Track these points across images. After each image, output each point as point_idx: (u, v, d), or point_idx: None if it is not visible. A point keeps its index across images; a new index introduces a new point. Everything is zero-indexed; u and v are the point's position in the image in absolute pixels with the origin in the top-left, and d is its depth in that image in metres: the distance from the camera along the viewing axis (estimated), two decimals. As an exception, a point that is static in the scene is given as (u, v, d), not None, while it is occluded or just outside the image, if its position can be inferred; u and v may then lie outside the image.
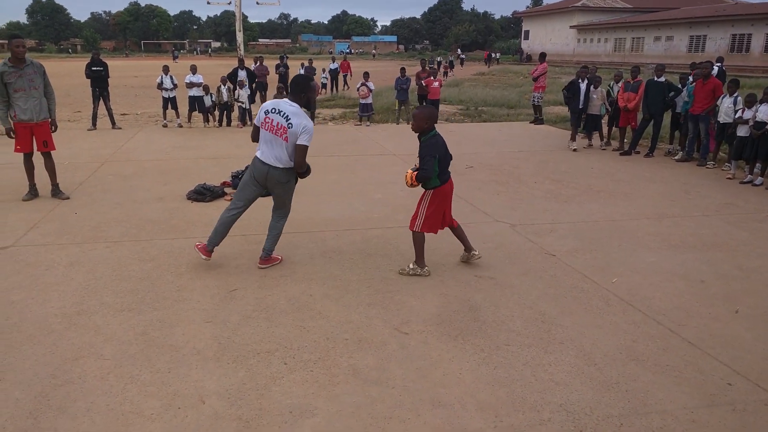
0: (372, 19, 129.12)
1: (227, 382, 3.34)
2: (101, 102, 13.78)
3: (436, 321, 4.11)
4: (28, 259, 5.23)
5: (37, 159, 7.20)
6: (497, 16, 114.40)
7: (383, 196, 7.58)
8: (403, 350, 3.70)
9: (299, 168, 4.78)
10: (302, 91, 4.76)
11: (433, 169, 4.74)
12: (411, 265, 4.97)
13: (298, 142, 4.67)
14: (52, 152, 7.29)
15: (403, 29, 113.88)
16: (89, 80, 13.75)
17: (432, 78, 14.92)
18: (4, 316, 4.14)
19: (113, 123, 13.88)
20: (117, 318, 4.16)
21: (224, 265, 5.16)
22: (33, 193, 7.32)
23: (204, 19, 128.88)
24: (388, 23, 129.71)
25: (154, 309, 4.30)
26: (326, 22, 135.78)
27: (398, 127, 14.73)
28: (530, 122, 15.20)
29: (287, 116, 4.66)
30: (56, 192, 7.39)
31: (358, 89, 15.24)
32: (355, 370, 3.47)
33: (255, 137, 4.89)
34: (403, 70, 15.45)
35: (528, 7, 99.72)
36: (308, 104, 4.81)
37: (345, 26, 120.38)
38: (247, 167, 8.23)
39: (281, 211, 5.17)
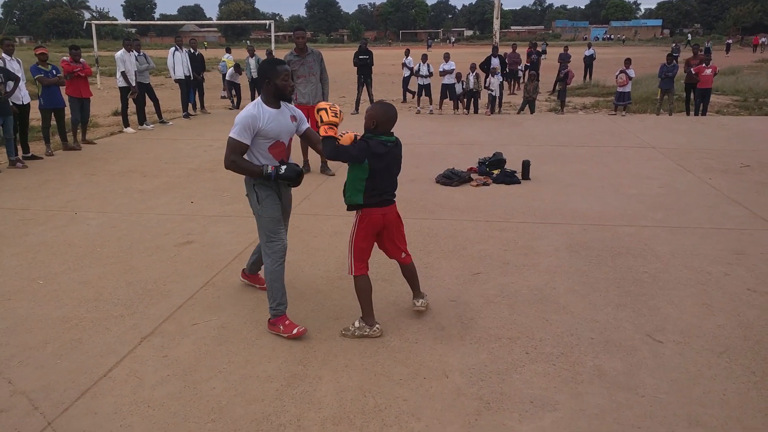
0: (635, 2, 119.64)
1: (470, 362, 3.42)
2: (364, 88, 15.00)
3: (696, 333, 3.70)
4: (301, 225, 5.93)
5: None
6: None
7: (638, 191, 7.03)
8: (655, 359, 3.40)
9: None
10: (266, 78, 3.68)
11: (347, 155, 3.53)
12: (356, 323, 3.77)
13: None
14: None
15: (670, 12, 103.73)
16: (355, 68, 15.02)
17: (704, 65, 13.33)
18: (281, 273, 4.76)
19: (372, 107, 14.99)
20: (373, 285, 4.49)
21: (468, 248, 5.27)
22: (306, 168, 8.27)
23: (459, 8, 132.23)
24: (653, 6, 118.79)
25: (403, 282, 4.54)
26: (583, 7, 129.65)
27: (658, 118, 13.51)
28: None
29: None
30: (324, 168, 8.25)
31: (616, 76, 14.29)
32: (600, 371, 3.29)
33: None
34: (670, 56, 14.07)
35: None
36: (278, 92, 3.69)
37: (603, 11, 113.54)
38: (495, 154, 8.35)
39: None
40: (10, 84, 8.48)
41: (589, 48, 23.44)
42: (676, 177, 7.72)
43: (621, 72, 14.08)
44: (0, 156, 8.47)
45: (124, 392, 3.18)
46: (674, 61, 14.02)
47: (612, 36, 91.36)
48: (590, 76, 23.05)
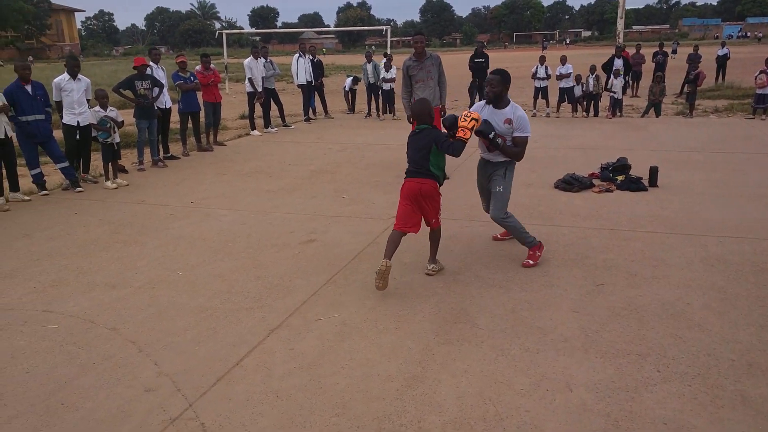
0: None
1: (595, 376, 3.29)
2: (478, 92, 14.84)
3: None
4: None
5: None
6: None
7: (783, 203, 6.45)
8: (809, 388, 3.10)
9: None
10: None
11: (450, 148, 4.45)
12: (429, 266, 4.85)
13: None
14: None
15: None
16: (471, 71, 14.90)
17: None
18: (399, 275, 4.83)
19: (487, 111, 14.81)
20: (489, 292, 4.47)
21: (591, 257, 5.08)
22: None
23: (577, 8, 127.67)
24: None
25: (522, 290, 4.48)
26: (714, 3, 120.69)
27: (805, 123, 12.31)
28: None
29: None
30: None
31: (756, 77, 13.18)
32: (744, 397, 3.05)
33: None
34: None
35: None
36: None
37: (739, 6, 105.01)
38: (619, 159, 7.97)
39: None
40: (156, 90, 9.24)
41: (722, 47, 21.80)
42: (829, 188, 6.99)
43: (761, 72, 12.95)
44: (144, 156, 9.25)
45: (255, 381, 3.36)
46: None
47: (748, 33, 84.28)
48: (723, 77, 21.41)
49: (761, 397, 3.05)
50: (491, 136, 4.66)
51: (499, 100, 4.79)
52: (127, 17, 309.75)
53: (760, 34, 77.14)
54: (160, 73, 9.80)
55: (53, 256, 5.48)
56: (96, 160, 8.64)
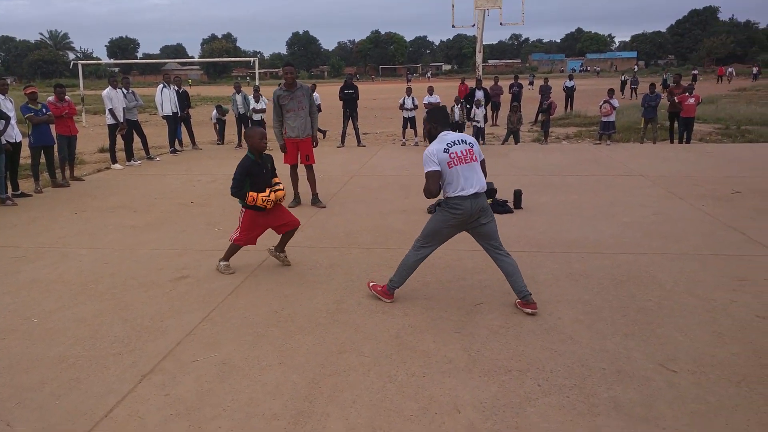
0: (609, 36, 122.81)
1: (481, 395, 3.34)
2: (350, 122, 15.08)
3: (710, 362, 3.65)
4: (296, 258, 5.85)
5: (300, 171, 8.08)
6: (762, 25, 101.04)
7: (632, 219, 7.06)
8: (671, 389, 3.35)
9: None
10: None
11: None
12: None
13: (482, 157, 4.53)
14: (313, 165, 8.13)
15: (644, 44, 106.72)
16: (341, 102, 15.11)
17: (687, 94, 13.63)
18: (279, 307, 4.68)
19: (359, 141, 15.08)
20: (372, 318, 4.44)
21: (466, 279, 5.23)
22: (297, 200, 8.23)
23: (437, 43, 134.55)
24: (627, 39, 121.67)
25: (404, 314, 4.50)
26: (558, 41, 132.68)
27: (643, 147, 13.73)
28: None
29: (462, 139, 4.45)
30: (315, 201, 8.20)
31: (600, 106, 14.54)
32: (616, 403, 3.23)
33: (437, 189, 4.39)
34: (652, 86, 14.38)
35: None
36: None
37: (579, 44, 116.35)
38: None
39: (498, 240, 4.60)
40: (2, 123, 8.39)
41: (570, 79, 23.92)
42: (669, 204, 7.78)
43: (605, 102, 14.34)
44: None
45: (126, 435, 3.05)
46: (655, 90, 14.31)
47: (588, 68, 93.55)
48: (572, 106, 23.47)
49: (631, 401, 3.25)
50: None
51: (431, 138, 4.57)
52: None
53: (598, 69, 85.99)
54: (8, 105, 8.91)
55: None
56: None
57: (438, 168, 4.32)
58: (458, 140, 4.42)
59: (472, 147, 4.46)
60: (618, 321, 4.27)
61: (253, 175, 5.20)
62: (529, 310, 4.45)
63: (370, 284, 4.91)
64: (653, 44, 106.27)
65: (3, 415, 3.22)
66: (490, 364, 3.70)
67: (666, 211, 7.43)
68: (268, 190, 5.26)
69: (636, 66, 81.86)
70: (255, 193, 5.16)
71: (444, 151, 4.33)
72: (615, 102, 14.36)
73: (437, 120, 4.53)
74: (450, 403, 3.28)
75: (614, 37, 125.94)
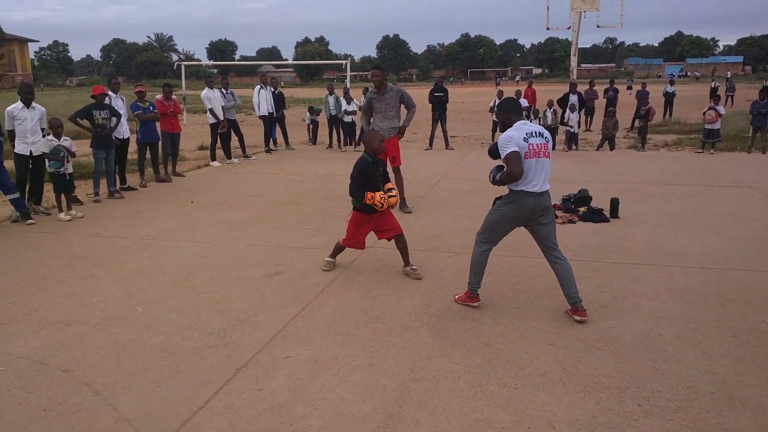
0: (712, 39, 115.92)
1: (577, 412, 3.21)
2: (438, 124, 15.03)
3: (831, 392, 3.35)
4: (385, 260, 5.88)
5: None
6: None
7: (741, 232, 6.61)
8: (789, 420, 3.10)
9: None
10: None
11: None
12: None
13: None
14: (400, 167, 8.15)
15: (752, 48, 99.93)
16: (430, 105, 15.09)
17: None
18: (369, 307, 4.71)
19: (447, 144, 15.01)
20: (462, 324, 4.38)
21: (560, 289, 5.04)
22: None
23: (528, 46, 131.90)
24: (733, 42, 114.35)
25: (495, 322, 4.41)
26: (656, 45, 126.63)
27: (750, 157, 12.83)
28: None
29: (540, 132, 4.34)
30: (402, 205, 8.21)
31: (704, 113, 13.73)
32: (726, 430, 3.01)
33: (520, 170, 4.18)
34: (763, 92, 13.42)
35: None
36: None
37: (678, 48, 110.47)
38: (581, 191, 8.08)
39: (555, 242, 4.51)
40: (114, 120, 8.97)
41: (671, 85, 22.75)
42: (782, 219, 7.23)
43: (710, 108, 13.53)
44: (100, 187, 8.93)
45: (222, 425, 3.16)
46: (766, 98, 13.34)
47: (688, 73, 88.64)
48: (671, 113, 22.31)
49: (743, 430, 3.02)
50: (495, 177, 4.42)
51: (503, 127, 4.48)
52: (82, 48, 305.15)
53: (698, 74, 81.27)
54: (119, 103, 9.55)
55: (1, 293, 5.14)
56: (48, 191, 8.26)
57: (518, 149, 4.16)
58: (536, 132, 4.33)
59: (548, 142, 4.37)
60: (727, 342, 3.99)
61: (368, 176, 5.25)
62: (579, 318, 4.32)
63: (456, 297, 4.85)
64: (762, 48, 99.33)
65: (110, 399, 3.42)
66: (586, 380, 3.55)
67: (780, 226, 6.90)
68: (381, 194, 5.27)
69: (743, 70, 76.64)
70: (373, 192, 5.18)
71: (524, 140, 4.21)
72: (721, 109, 13.54)
73: (510, 110, 4.44)
74: (543, 417, 3.17)
75: (718, 40, 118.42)
